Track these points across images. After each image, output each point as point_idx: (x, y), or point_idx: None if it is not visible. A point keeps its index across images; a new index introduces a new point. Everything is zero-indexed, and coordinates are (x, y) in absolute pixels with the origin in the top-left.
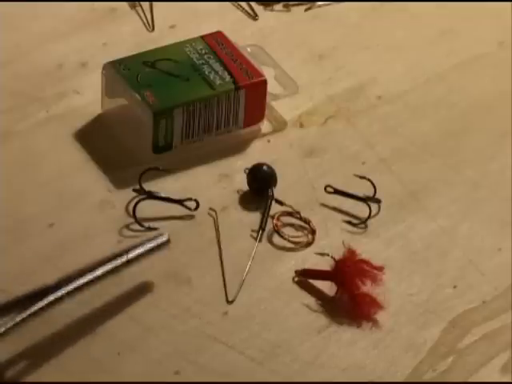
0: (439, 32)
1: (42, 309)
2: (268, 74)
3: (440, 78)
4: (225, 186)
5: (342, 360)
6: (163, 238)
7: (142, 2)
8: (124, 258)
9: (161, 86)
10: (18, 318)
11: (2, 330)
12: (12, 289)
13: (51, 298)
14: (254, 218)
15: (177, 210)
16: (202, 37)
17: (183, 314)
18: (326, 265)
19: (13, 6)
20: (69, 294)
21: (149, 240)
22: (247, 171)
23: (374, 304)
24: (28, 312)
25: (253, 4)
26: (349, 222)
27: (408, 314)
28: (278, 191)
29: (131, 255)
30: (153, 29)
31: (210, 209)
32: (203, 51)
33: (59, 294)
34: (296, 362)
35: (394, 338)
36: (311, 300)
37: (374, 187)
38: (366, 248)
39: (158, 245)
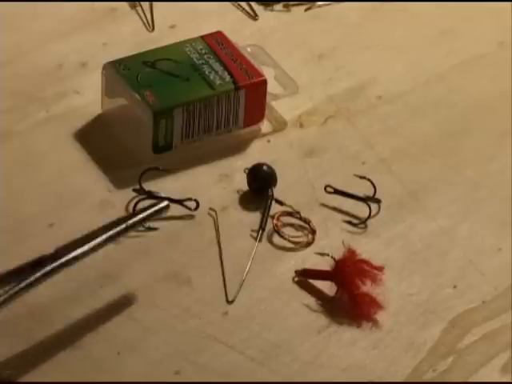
0: (439, 32)
1: (39, 279)
2: (268, 74)
3: (440, 77)
4: (225, 186)
5: (342, 360)
6: (162, 204)
7: (141, 2)
8: (123, 225)
9: (161, 86)
10: (14, 289)
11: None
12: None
13: (48, 268)
14: (254, 218)
15: (177, 210)
16: (202, 37)
17: (183, 313)
18: (326, 265)
19: (13, 5)
20: (66, 264)
21: (148, 207)
22: (247, 171)
23: (373, 304)
24: (24, 283)
25: (253, 4)
26: (349, 222)
27: (408, 314)
28: (278, 191)
29: (130, 222)
30: (153, 29)
31: (210, 209)
32: (203, 51)
33: (56, 264)
34: (296, 362)
35: (394, 337)
36: (311, 300)
37: (374, 187)
38: (366, 248)
39: (157, 210)
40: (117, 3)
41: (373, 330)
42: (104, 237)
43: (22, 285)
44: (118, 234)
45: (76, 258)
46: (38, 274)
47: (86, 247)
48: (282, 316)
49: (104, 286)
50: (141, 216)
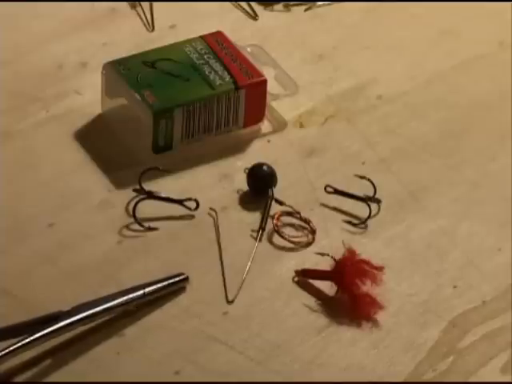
0: (439, 32)
1: (51, 333)
2: (268, 74)
3: (440, 77)
4: (225, 186)
5: (342, 360)
6: (182, 276)
7: (142, 2)
8: (140, 292)
9: (161, 85)
10: (22, 342)
11: (4, 352)
12: (12, 288)
13: (61, 324)
14: (254, 218)
15: (177, 210)
16: (202, 37)
17: (183, 313)
18: (326, 265)
19: (13, 5)
20: (80, 321)
21: (167, 277)
22: (247, 171)
23: (374, 304)
24: (34, 336)
25: (253, 4)
26: (349, 222)
27: (408, 314)
28: (277, 191)
29: (148, 289)
30: (153, 29)
31: (210, 209)
32: (203, 51)
33: (70, 320)
34: (296, 362)
35: (394, 337)
36: (311, 300)
37: (374, 187)
38: (366, 248)
39: (176, 281)
40: (117, 3)
41: (373, 330)
42: (120, 300)
43: (33, 338)
44: (134, 299)
45: (89, 317)
46: (51, 329)
47: (100, 308)
48: (282, 316)
49: (104, 286)
50: (159, 285)
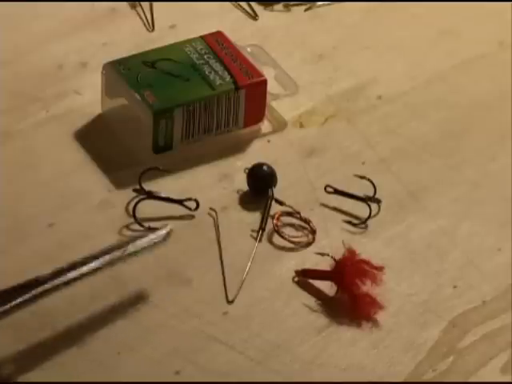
0: (439, 32)
1: (35, 297)
2: (268, 74)
3: (440, 77)
4: (225, 186)
5: (342, 360)
6: (164, 231)
7: (142, 2)
8: (123, 251)
9: (161, 86)
10: (8, 306)
11: None
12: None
13: (46, 287)
14: (254, 218)
15: (177, 210)
16: (202, 37)
17: (183, 313)
18: (326, 265)
19: (13, 5)
20: (63, 284)
21: (149, 233)
22: (247, 171)
23: (374, 304)
24: (20, 300)
25: (253, 4)
26: (349, 222)
27: (408, 314)
28: (277, 191)
29: (131, 248)
30: (153, 29)
31: (210, 209)
32: (203, 51)
33: (53, 283)
34: (296, 362)
35: (394, 338)
36: (311, 300)
37: (374, 187)
38: (366, 248)
39: (159, 238)
40: (117, 3)
41: (373, 330)
42: (101, 261)
43: (17, 302)
44: (117, 259)
45: (72, 281)
46: (35, 293)
47: (81, 270)
48: (282, 316)
49: (104, 286)
50: (142, 242)
